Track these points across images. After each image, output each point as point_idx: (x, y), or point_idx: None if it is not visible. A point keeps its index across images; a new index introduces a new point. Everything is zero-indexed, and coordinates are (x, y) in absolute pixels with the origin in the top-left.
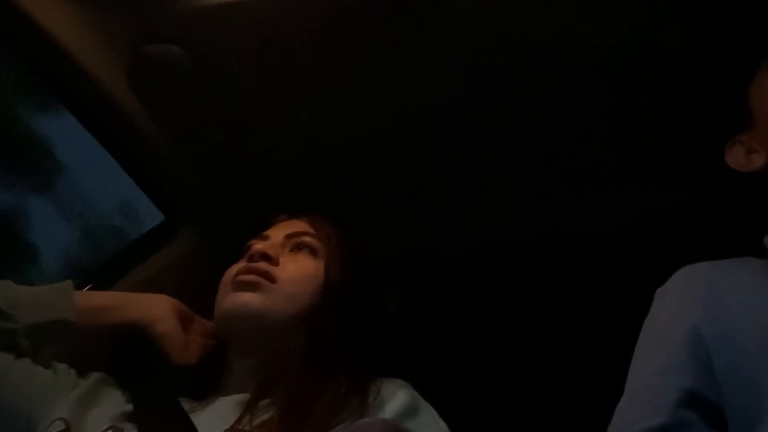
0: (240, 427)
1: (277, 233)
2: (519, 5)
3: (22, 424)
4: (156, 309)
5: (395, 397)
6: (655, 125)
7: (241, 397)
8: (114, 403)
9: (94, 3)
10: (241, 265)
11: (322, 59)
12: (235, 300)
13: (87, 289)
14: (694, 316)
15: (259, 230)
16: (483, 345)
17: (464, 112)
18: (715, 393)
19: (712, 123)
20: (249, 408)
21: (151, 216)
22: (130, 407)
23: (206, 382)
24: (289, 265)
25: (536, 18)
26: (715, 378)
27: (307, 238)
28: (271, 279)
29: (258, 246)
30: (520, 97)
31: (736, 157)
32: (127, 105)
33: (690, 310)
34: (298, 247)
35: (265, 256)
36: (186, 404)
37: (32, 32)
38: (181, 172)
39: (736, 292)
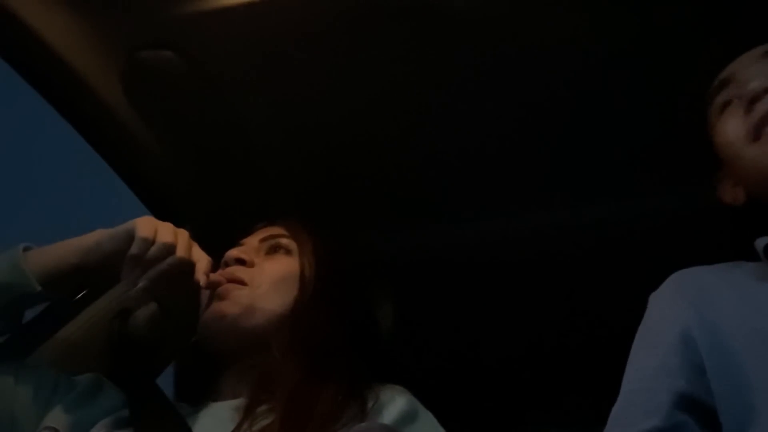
0: None
1: (252, 239)
2: (513, 7)
3: None
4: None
5: (394, 403)
6: (651, 129)
7: (237, 402)
8: (108, 407)
9: (88, 8)
10: (216, 274)
11: (316, 65)
12: (211, 312)
13: (81, 296)
14: (686, 319)
15: (237, 240)
16: (476, 348)
17: (460, 115)
18: (708, 395)
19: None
20: (247, 414)
21: None
22: (124, 412)
23: (202, 387)
24: (264, 266)
25: (530, 19)
26: (707, 380)
27: (283, 240)
28: (243, 282)
29: (232, 252)
30: (516, 100)
31: (726, 194)
32: (121, 110)
33: (682, 313)
34: (273, 249)
35: (239, 260)
36: (182, 409)
37: (26, 38)
38: (174, 178)
39: (727, 295)
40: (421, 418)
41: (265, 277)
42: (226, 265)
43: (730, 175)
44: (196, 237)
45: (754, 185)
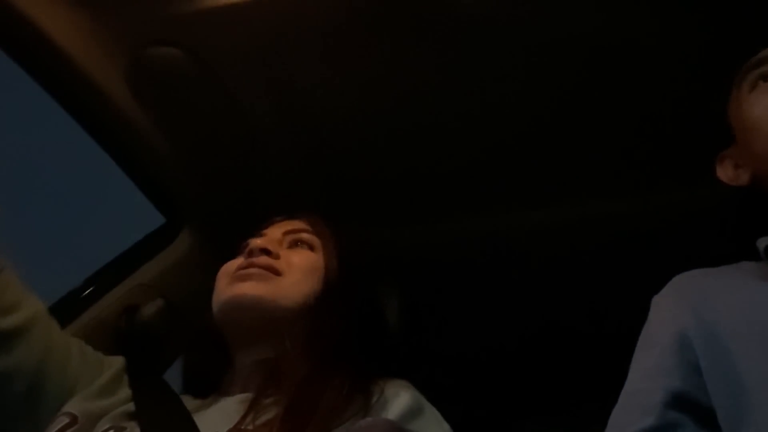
0: (243, 427)
1: (275, 231)
2: (519, 6)
3: (45, 406)
4: None
5: (399, 398)
6: (655, 129)
7: (245, 396)
8: (119, 399)
9: (95, 6)
10: (239, 260)
11: (323, 62)
12: (235, 290)
13: (88, 293)
14: (684, 320)
15: (256, 230)
16: (481, 343)
17: (465, 113)
18: (704, 394)
19: (712, 127)
20: (252, 407)
21: (152, 219)
22: (131, 406)
23: (210, 382)
24: (290, 258)
25: (537, 19)
26: (703, 380)
27: (305, 235)
28: (275, 271)
29: (257, 241)
30: (520, 99)
31: (725, 172)
32: (128, 108)
33: (680, 315)
34: (295, 243)
35: (265, 251)
36: (190, 404)
37: (32, 36)
38: (181, 175)
39: (726, 296)
40: (425, 413)
41: (292, 268)
42: (251, 253)
43: (740, 155)
44: (205, 233)
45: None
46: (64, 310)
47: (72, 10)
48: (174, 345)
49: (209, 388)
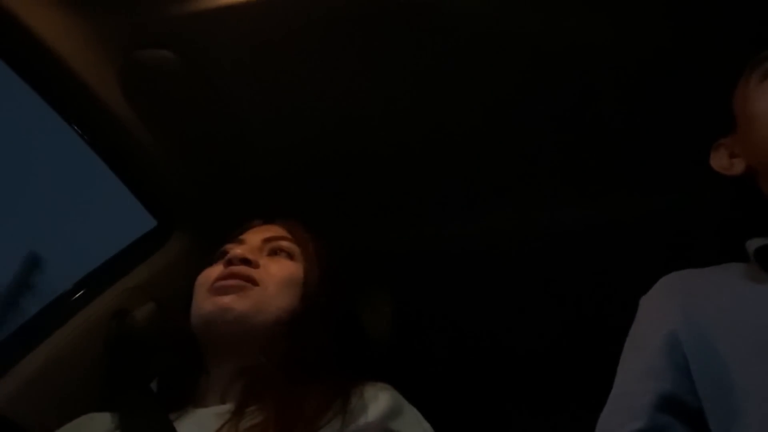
0: None
1: (254, 237)
2: (506, 8)
3: None
4: None
5: (378, 400)
6: (645, 130)
7: (223, 408)
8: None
9: (86, 7)
10: (218, 269)
11: (314, 64)
12: (216, 303)
13: (79, 296)
14: (673, 322)
15: (233, 235)
16: (471, 347)
17: (459, 113)
18: (694, 397)
19: (702, 128)
20: (233, 418)
21: (144, 222)
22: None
23: (182, 392)
24: (269, 267)
25: (525, 20)
26: (693, 382)
27: (285, 243)
28: (254, 282)
29: (237, 250)
30: (515, 99)
31: (720, 160)
32: (119, 110)
33: (669, 316)
34: (275, 251)
35: (245, 260)
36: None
37: (23, 38)
38: (173, 178)
39: (715, 298)
40: (404, 414)
41: (270, 279)
42: (230, 261)
43: (738, 145)
44: (196, 236)
45: (764, 156)
46: (55, 314)
47: (63, 13)
48: (164, 350)
49: (181, 399)
